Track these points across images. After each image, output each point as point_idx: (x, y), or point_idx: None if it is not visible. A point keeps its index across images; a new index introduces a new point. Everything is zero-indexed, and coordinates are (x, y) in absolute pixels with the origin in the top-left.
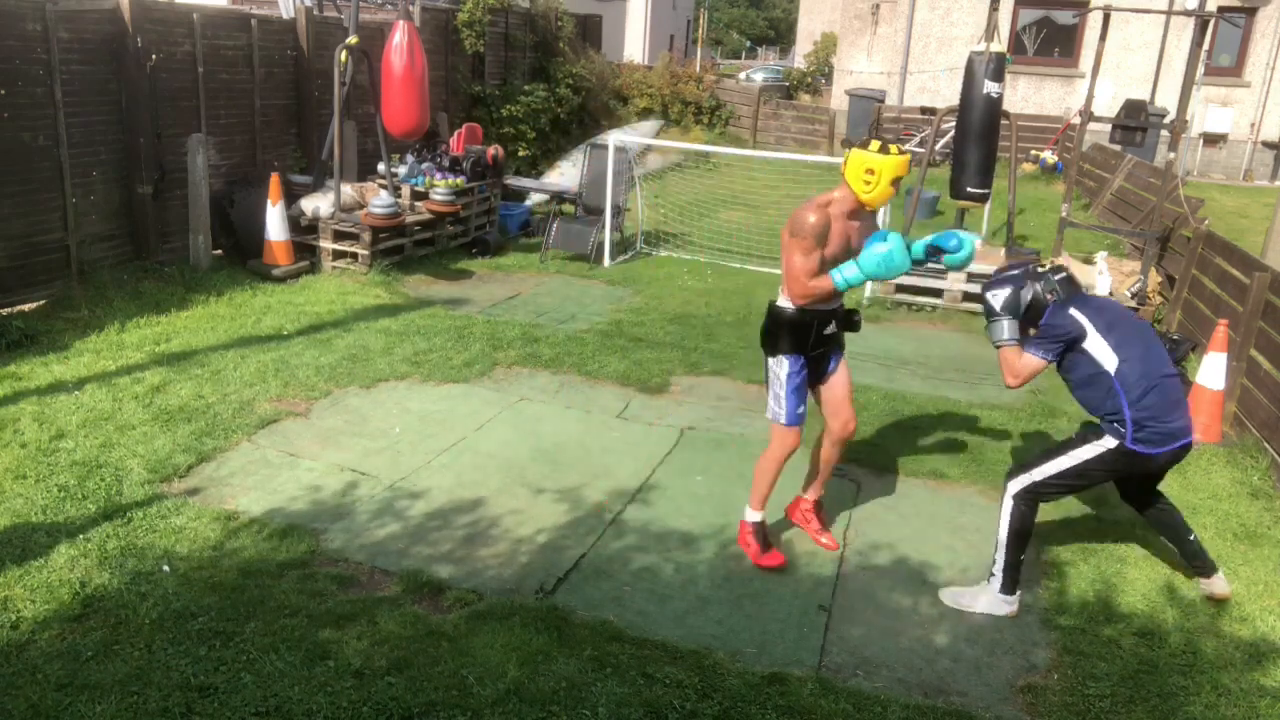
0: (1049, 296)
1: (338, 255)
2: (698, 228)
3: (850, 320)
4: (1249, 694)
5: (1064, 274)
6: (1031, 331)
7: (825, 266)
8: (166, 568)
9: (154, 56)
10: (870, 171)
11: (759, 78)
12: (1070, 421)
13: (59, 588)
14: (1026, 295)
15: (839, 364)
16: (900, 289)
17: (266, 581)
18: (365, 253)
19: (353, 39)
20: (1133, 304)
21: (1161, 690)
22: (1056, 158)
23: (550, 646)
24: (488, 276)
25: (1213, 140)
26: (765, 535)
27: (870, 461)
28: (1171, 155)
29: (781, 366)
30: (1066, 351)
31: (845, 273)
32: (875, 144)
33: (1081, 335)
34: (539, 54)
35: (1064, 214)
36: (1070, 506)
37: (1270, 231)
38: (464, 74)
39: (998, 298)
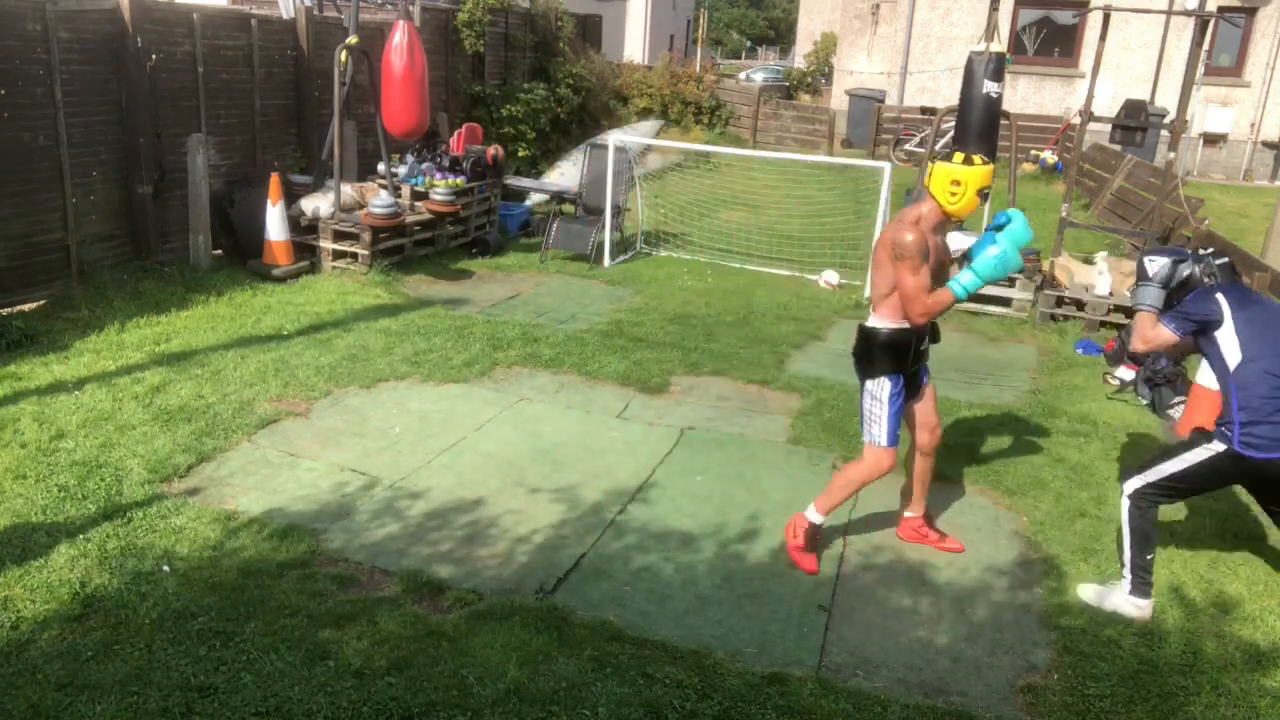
0: (1206, 279)
1: (338, 255)
2: (698, 228)
3: (935, 334)
4: (1249, 694)
5: (1226, 260)
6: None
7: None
8: (166, 568)
9: (154, 56)
10: (956, 183)
11: (759, 78)
12: (1070, 421)
13: (59, 588)
14: (1183, 271)
15: (926, 376)
16: None
17: (266, 581)
18: (365, 253)
19: (353, 39)
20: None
21: (1161, 690)
22: (1056, 158)
23: (550, 646)
24: (488, 276)
25: (1213, 140)
26: (816, 538)
27: None
28: (1171, 155)
29: (883, 388)
30: (1200, 335)
31: (963, 281)
32: (959, 156)
33: (1217, 322)
34: (539, 54)
35: (1064, 214)
36: (1069, 505)
37: (1270, 231)
38: (464, 74)
39: (1153, 264)
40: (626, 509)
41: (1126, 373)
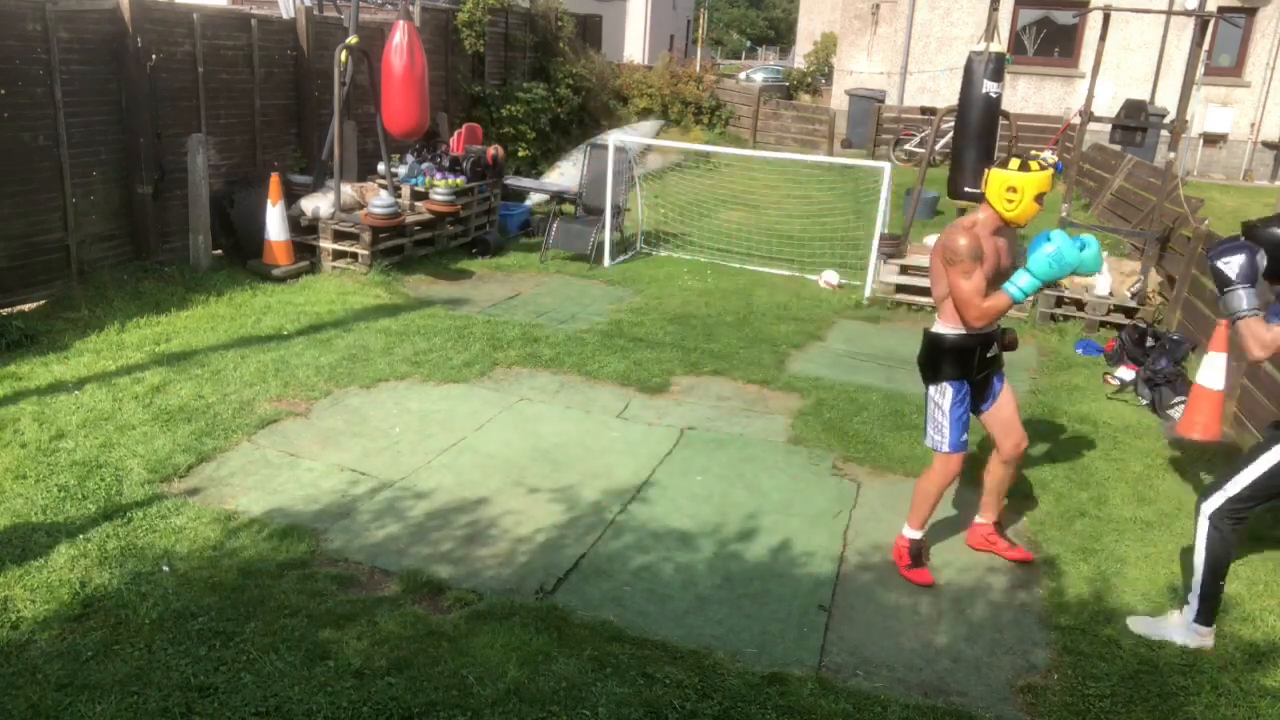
0: None
1: (338, 255)
2: (698, 228)
3: (1005, 340)
4: (1249, 694)
5: None
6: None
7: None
8: (166, 568)
9: (154, 56)
10: (1012, 190)
11: (759, 78)
12: (1070, 421)
13: (59, 588)
14: (1262, 261)
15: (1003, 384)
16: (900, 289)
17: (266, 581)
18: (365, 253)
19: (353, 39)
20: (1133, 304)
21: (1161, 690)
22: (1056, 158)
23: (550, 646)
24: (488, 276)
25: (1213, 140)
26: (919, 552)
27: (870, 461)
28: (1171, 155)
29: (944, 395)
30: None
31: (1019, 283)
32: (1015, 162)
33: None
34: (539, 54)
35: (1064, 214)
36: (1069, 505)
37: None
38: (464, 74)
39: (1230, 266)
40: (626, 509)
41: (1126, 373)
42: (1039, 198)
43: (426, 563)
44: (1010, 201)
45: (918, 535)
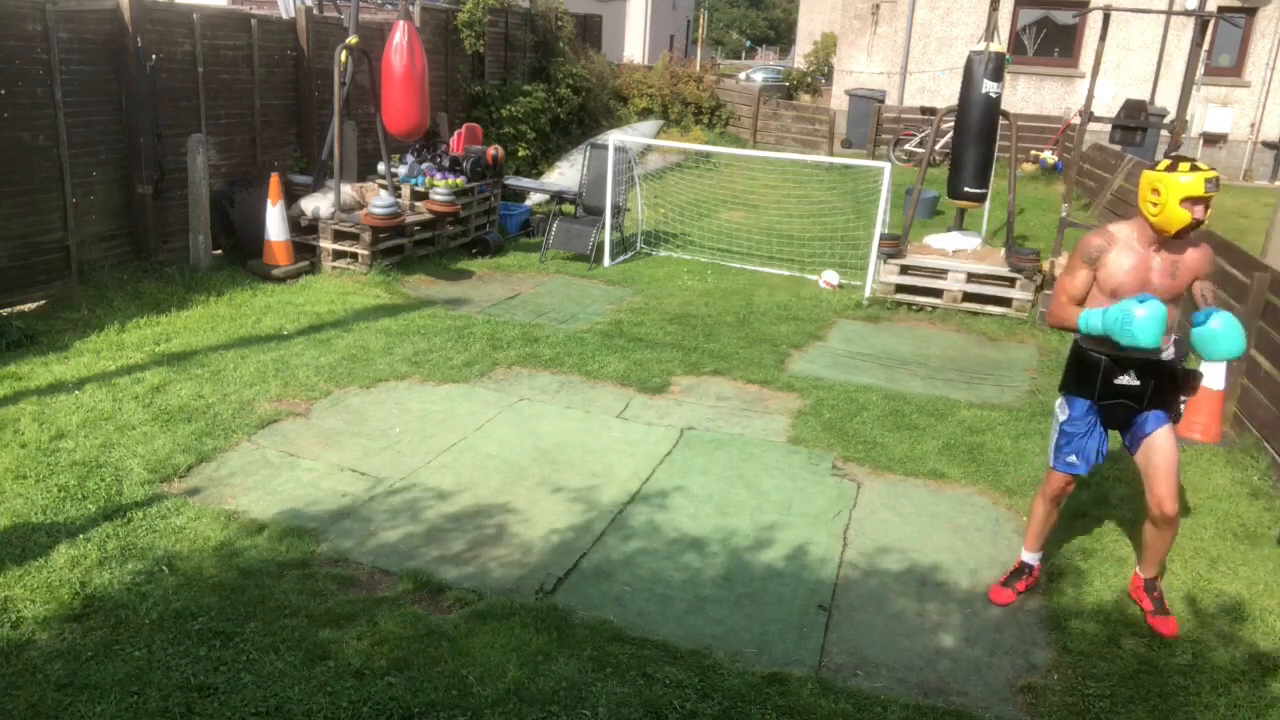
0: None
1: (338, 255)
2: (698, 228)
3: (1188, 383)
4: (1249, 694)
5: None
6: None
7: (1106, 297)
8: (166, 568)
9: (154, 56)
10: (1155, 191)
11: (759, 78)
12: None
13: (59, 588)
14: None
15: (1157, 429)
16: (900, 289)
17: (266, 581)
18: (365, 253)
19: (353, 39)
20: None
21: (1161, 690)
22: (1056, 158)
23: (550, 646)
24: (488, 276)
25: (1213, 140)
26: (1016, 574)
27: (870, 461)
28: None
29: (1062, 409)
30: None
31: (1091, 315)
32: (1164, 162)
33: None
34: (539, 54)
35: (1064, 214)
36: (1069, 505)
37: (1270, 231)
38: (464, 74)
39: None
40: (626, 509)
41: None
42: (1188, 204)
43: (427, 563)
44: (1154, 205)
45: (1027, 557)
